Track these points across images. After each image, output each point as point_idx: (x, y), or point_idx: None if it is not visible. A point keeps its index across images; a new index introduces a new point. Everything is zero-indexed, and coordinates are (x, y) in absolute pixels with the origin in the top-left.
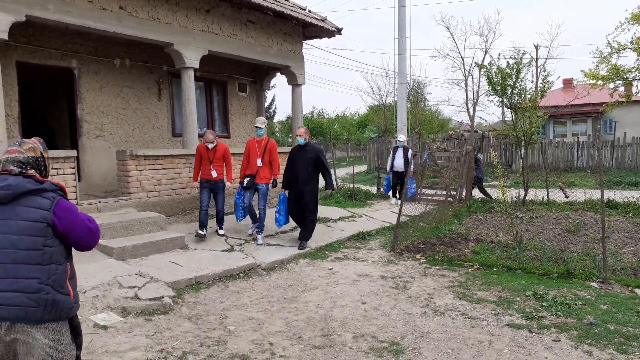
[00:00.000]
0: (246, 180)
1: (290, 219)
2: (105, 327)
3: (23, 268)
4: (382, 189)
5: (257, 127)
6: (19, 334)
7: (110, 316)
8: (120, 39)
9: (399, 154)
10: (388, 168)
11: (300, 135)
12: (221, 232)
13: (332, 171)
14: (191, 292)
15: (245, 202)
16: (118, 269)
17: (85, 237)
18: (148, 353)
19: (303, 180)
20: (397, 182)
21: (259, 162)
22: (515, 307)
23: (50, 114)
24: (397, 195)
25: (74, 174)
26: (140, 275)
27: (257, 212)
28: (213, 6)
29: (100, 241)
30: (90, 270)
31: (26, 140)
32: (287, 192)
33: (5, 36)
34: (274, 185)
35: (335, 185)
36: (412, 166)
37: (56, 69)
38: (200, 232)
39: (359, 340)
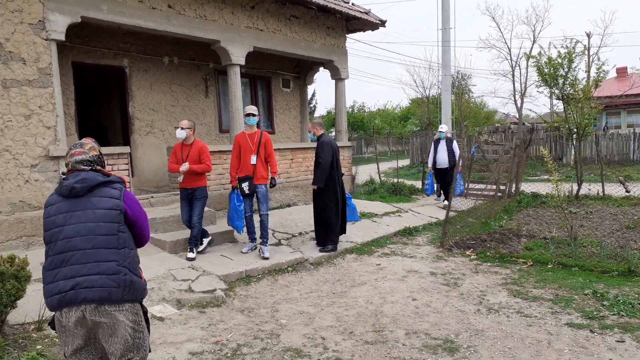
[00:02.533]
0: (245, 185)
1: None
2: (161, 319)
3: (102, 252)
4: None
5: (248, 114)
6: (103, 317)
7: (166, 308)
8: (169, 37)
9: (442, 147)
10: (430, 164)
11: (309, 131)
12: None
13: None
14: (242, 285)
15: (247, 212)
16: (172, 262)
17: (146, 227)
18: (204, 345)
19: (315, 177)
20: (444, 180)
21: (253, 159)
22: (573, 306)
23: (102, 111)
24: (443, 195)
25: (128, 169)
26: (193, 269)
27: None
28: (258, 2)
29: (153, 235)
30: (145, 263)
31: (84, 141)
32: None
33: (62, 37)
34: (272, 185)
35: (321, 182)
36: (459, 160)
37: (109, 68)
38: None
39: (412, 337)
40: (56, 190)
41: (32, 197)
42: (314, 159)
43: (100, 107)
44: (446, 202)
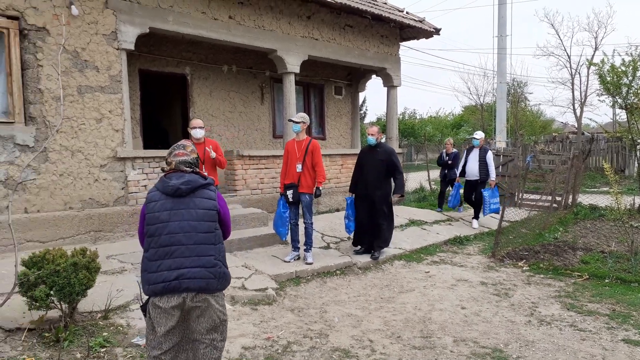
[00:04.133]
0: (289, 192)
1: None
2: None
3: (203, 248)
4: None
5: (291, 121)
6: (200, 301)
7: None
8: (228, 46)
9: (473, 156)
10: (458, 173)
11: (372, 135)
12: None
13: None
14: (292, 286)
15: (292, 219)
16: (228, 260)
17: (230, 224)
18: (256, 340)
19: (374, 183)
20: (471, 195)
21: (298, 167)
22: (631, 322)
23: (165, 116)
24: (474, 214)
25: None
26: (246, 267)
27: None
28: (314, 12)
29: None
30: None
31: (186, 143)
32: (353, 195)
33: (132, 47)
34: (318, 195)
35: (404, 190)
36: (492, 173)
37: (172, 75)
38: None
39: (460, 345)
40: (158, 188)
41: (100, 195)
42: None
43: (162, 113)
44: (475, 221)
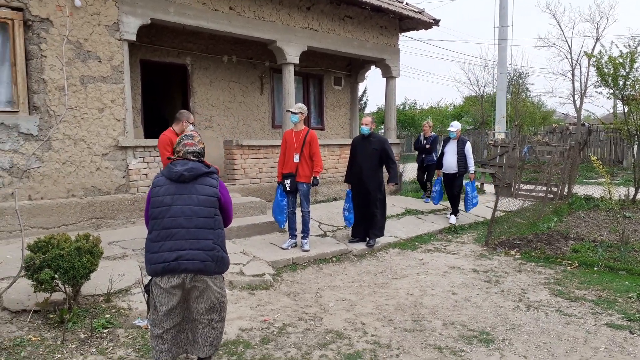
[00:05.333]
0: (287, 182)
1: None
2: None
3: (202, 231)
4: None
5: (289, 111)
6: (198, 282)
7: None
8: (228, 37)
9: (450, 148)
10: (436, 166)
11: (366, 125)
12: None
13: (400, 168)
14: (289, 272)
15: (289, 207)
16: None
17: (231, 211)
18: (252, 322)
19: (367, 173)
20: (448, 189)
21: (296, 157)
22: (616, 308)
23: (165, 106)
24: (451, 209)
25: None
26: (244, 254)
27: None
28: (313, 3)
29: None
30: None
31: (194, 134)
32: (350, 188)
33: (134, 38)
34: (315, 184)
35: (398, 179)
36: (471, 166)
37: (172, 65)
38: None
39: (449, 328)
40: (163, 173)
41: (102, 182)
42: None
43: (163, 102)
44: (452, 217)
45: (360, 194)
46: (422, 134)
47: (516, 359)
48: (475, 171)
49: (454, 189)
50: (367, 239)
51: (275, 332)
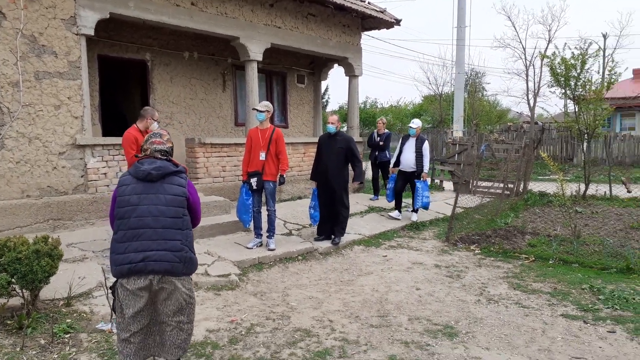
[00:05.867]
0: (253, 180)
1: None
2: None
3: (169, 232)
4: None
5: (255, 109)
6: (166, 284)
7: None
8: (190, 33)
9: (409, 146)
10: (392, 164)
11: (332, 123)
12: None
13: (363, 166)
14: (255, 271)
15: (255, 206)
16: None
17: (200, 212)
18: (220, 323)
19: (333, 171)
20: (404, 187)
21: (262, 155)
22: (570, 299)
23: (124, 103)
24: (401, 206)
25: None
26: (209, 254)
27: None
28: (277, 0)
29: None
30: None
31: (162, 132)
32: (317, 186)
33: (92, 32)
34: (282, 182)
35: (364, 177)
36: (426, 165)
37: (132, 61)
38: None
39: (414, 322)
40: (130, 172)
41: (59, 182)
42: None
43: (122, 99)
44: (397, 213)
45: (326, 192)
46: (375, 131)
47: (479, 351)
48: (429, 170)
49: (411, 187)
50: (332, 236)
51: (243, 332)
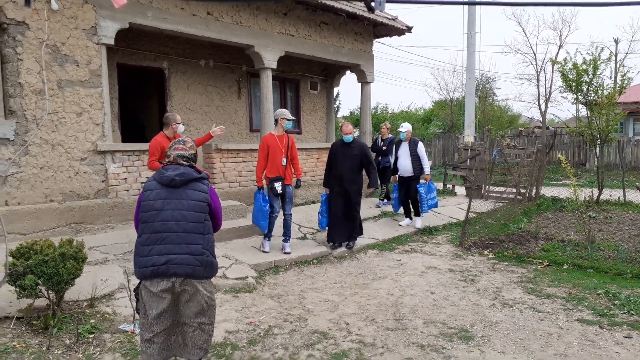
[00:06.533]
0: (277, 185)
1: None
2: None
3: (192, 236)
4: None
5: (285, 119)
6: (188, 286)
7: None
8: (206, 41)
9: (403, 151)
10: (392, 170)
11: (349, 133)
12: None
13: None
14: (271, 275)
15: (276, 211)
16: None
17: (221, 217)
18: (238, 325)
19: (349, 178)
20: (408, 194)
21: (284, 160)
22: (585, 304)
23: (142, 110)
24: (411, 213)
25: None
26: (226, 257)
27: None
28: (290, 9)
29: None
30: None
31: (186, 139)
32: (328, 191)
33: (112, 42)
34: (297, 186)
35: (378, 183)
36: (426, 167)
37: (149, 69)
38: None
39: (430, 326)
40: (155, 178)
41: (80, 187)
42: None
43: (140, 106)
44: (408, 221)
45: (340, 198)
46: (379, 136)
47: (495, 354)
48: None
49: (411, 193)
50: (347, 241)
51: (261, 334)
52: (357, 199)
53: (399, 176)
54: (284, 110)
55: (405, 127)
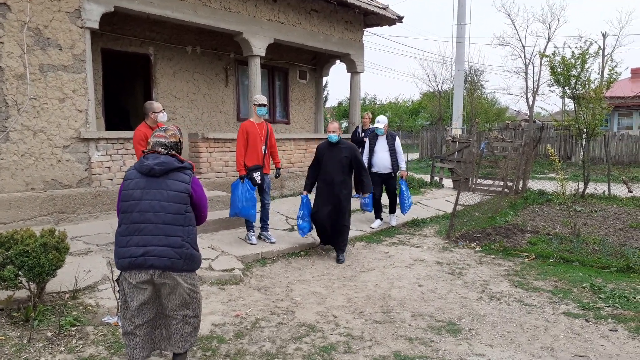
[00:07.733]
0: (257, 175)
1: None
2: None
3: (171, 228)
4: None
5: (261, 104)
6: (167, 279)
7: None
8: (193, 27)
9: (381, 146)
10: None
11: (334, 132)
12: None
13: None
14: (258, 266)
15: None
16: None
17: (206, 208)
18: (225, 317)
19: (339, 182)
20: (382, 192)
21: (263, 149)
22: (571, 297)
23: (126, 96)
24: (382, 213)
25: None
26: (212, 249)
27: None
28: None
29: None
30: None
31: (169, 127)
32: (307, 194)
33: (96, 25)
34: (277, 176)
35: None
36: (402, 163)
37: (135, 55)
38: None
39: (417, 319)
40: (135, 167)
41: (63, 175)
42: None
43: (124, 93)
44: (379, 222)
45: (329, 204)
46: (360, 125)
47: (483, 347)
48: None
49: (389, 188)
50: (337, 251)
51: (248, 327)
52: (347, 205)
53: (375, 173)
54: (258, 95)
55: (382, 121)
